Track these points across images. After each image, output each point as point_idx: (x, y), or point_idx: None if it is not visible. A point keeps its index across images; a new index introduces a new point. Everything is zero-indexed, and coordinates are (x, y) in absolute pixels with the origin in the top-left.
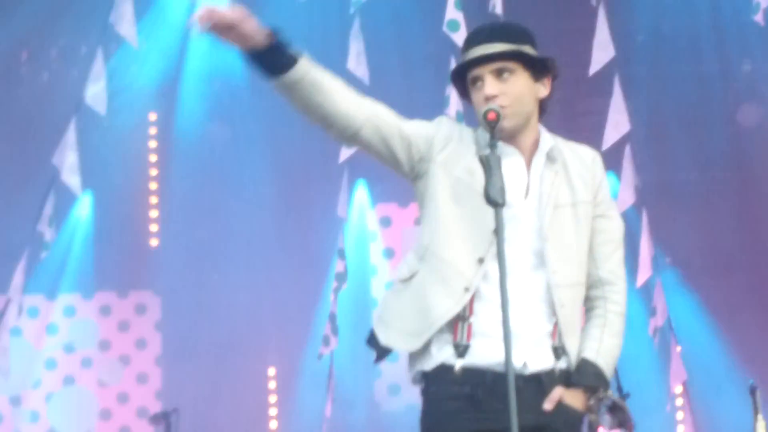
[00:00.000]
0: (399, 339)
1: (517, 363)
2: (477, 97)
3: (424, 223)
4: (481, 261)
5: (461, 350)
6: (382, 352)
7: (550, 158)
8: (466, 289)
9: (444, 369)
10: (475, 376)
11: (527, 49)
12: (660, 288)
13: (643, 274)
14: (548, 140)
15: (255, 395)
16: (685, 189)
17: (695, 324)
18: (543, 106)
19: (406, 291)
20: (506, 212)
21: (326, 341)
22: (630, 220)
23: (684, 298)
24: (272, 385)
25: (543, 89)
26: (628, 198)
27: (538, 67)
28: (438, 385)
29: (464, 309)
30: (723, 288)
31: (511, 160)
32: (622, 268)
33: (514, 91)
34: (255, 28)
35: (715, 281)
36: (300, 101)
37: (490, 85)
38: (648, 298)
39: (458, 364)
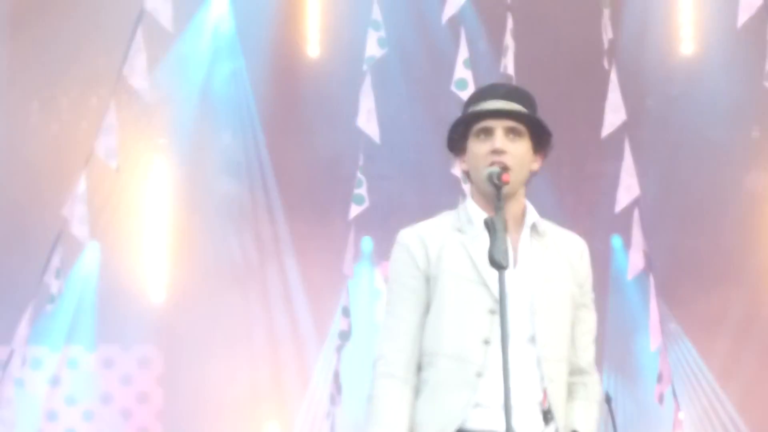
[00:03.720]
0: None
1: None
2: (480, 148)
3: (426, 329)
4: (487, 342)
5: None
6: None
7: (539, 233)
8: (479, 374)
9: None
10: None
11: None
12: (665, 353)
13: (655, 338)
14: (534, 214)
15: None
16: (693, 255)
17: (699, 389)
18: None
19: (418, 401)
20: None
21: (332, 399)
22: (639, 285)
23: (690, 362)
24: None
25: (536, 164)
26: (638, 263)
27: (541, 140)
28: None
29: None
30: (730, 353)
31: None
32: (594, 359)
33: (518, 153)
34: None
35: (722, 346)
36: None
37: (501, 139)
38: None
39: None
